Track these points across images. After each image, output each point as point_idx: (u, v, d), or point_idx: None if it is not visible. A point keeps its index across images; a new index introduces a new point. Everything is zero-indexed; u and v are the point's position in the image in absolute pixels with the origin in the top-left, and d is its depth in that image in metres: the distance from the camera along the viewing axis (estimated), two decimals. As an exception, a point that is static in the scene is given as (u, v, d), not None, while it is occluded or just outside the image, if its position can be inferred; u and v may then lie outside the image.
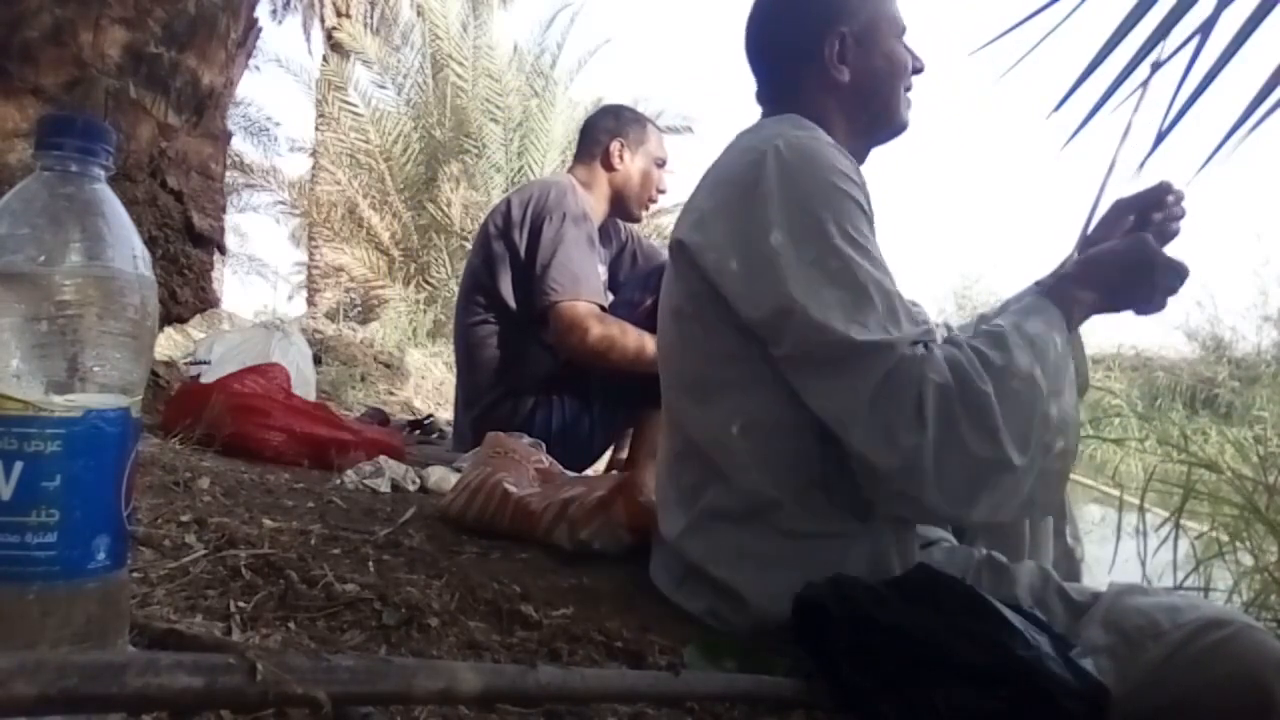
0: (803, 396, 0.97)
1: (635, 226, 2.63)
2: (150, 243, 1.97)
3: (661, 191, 2.49)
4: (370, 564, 1.06)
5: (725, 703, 0.76)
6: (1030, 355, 0.97)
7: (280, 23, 12.10)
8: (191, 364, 2.68)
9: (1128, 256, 1.08)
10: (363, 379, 4.77)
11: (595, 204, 2.37)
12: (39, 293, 0.52)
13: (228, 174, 2.80)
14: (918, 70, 1.21)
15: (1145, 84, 1.34)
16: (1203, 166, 1.38)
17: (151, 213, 2.06)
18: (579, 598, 1.05)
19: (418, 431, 3.02)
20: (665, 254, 2.62)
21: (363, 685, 0.54)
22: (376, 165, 9.60)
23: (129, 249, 0.56)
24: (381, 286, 9.05)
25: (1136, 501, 1.71)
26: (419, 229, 9.42)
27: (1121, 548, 1.74)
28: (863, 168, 1.10)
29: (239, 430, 1.82)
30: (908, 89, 1.20)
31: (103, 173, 0.57)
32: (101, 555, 0.55)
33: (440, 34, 9.46)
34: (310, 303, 10.07)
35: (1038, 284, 1.13)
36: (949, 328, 1.28)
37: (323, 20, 11.03)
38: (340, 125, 9.65)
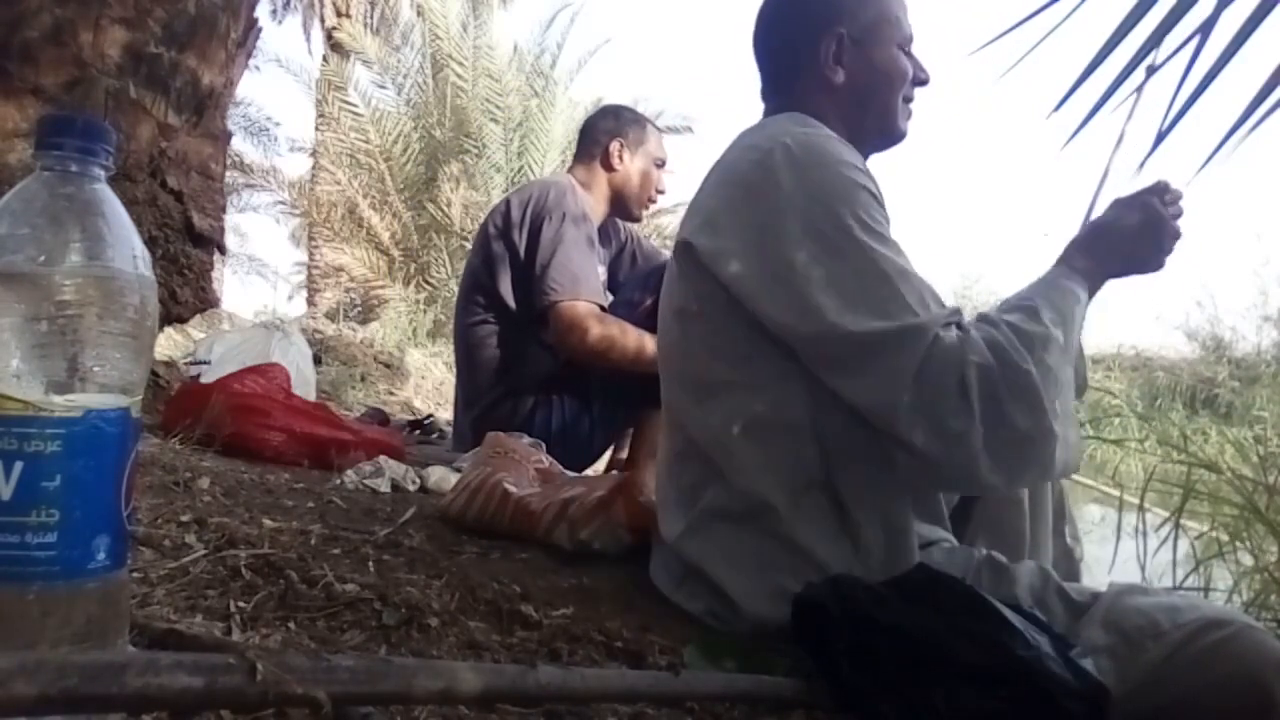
0: (842, 395, 0.97)
1: (635, 226, 2.63)
2: (150, 243, 1.97)
3: (661, 192, 2.49)
4: (370, 564, 1.06)
5: (725, 703, 0.76)
6: (1060, 326, 0.99)
7: (280, 23, 12.12)
8: (191, 364, 2.68)
9: (1135, 216, 1.10)
10: (363, 379, 4.77)
11: (595, 204, 2.37)
12: (39, 293, 0.52)
13: (228, 174, 2.80)
14: (921, 82, 1.20)
15: (1140, 89, 1.34)
16: (1203, 166, 1.39)
17: (151, 213, 2.06)
18: (579, 598, 1.05)
19: (418, 431, 3.02)
20: (665, 254, 2.63)
21: (363, 685, 0.54)
22: (376, 165, 9.60)
23: (129, 249, 0.56)
24: (381, 286, 9.05)
25: (1136, 501, 1.71)
26: (419, 229, 9.42)
27: (1121, 548, 1.74)
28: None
29: (239, 430, 1.82)
30: (908, 99, 1.19)
31: (103, 173, 0.57)
32: (101, 555, 0.55)
33: (440, 34, 9.46)
34: (310, 303, 10.08)
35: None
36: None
37: (323, 20, 11.03)
38: (340, 125, 9.65)
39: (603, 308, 2.19)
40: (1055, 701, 0.70)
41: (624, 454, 2.42)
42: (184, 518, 1.10)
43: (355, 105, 9.67)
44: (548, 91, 9.42)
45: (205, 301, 2.25)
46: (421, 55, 10.02)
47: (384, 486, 1.66)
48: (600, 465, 2.43)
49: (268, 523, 1.17)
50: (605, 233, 2.48)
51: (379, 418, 2.99)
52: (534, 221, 2.23)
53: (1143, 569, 1.62)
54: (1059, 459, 0.96)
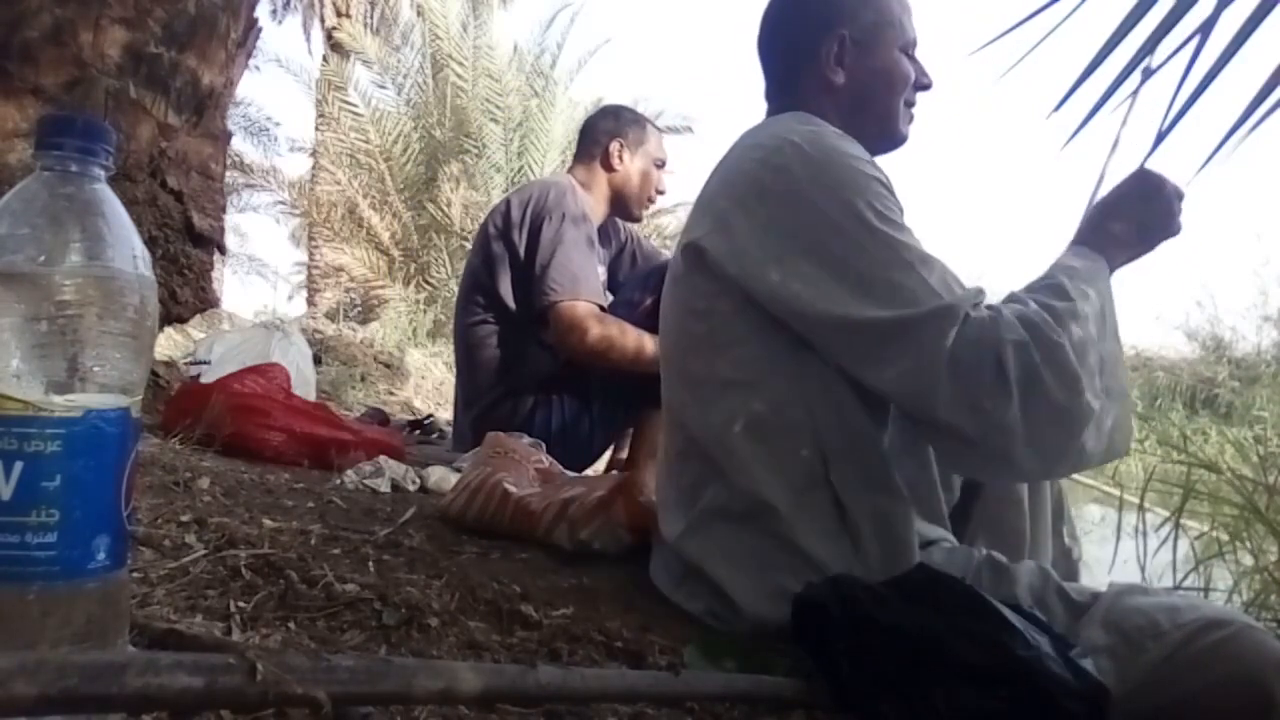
0: (874, 386, 0.97)
1: (635, 227, 2.63)
2: (150, 243, 1.97)
3: (661, 192, 2.49)
4: (370, 564, 1.06)
5: (725, 703, 0.76)
6: (1088, 298, 0.99)
7: (280, 23, 12.12)
8: (191, 364, 2.68)
9: (1136, 186, 1.10)
10: (363, 379, 4.77)
11: (595, 204, 2.37)
12: (39, 293, 0.52)
13: (228, 174, 2.80)
14: (923, 87, 1.20)
15: (1135, 94, 1.34)
16: (1203, 166, 1.38)
17: (151, 213, 2.06)
18: (579, 598, 1.05)
19: (418, 431, 3.02)
20: (665, 254, 2.63)
21: (363, 685, 0.54)
22: (376, 165, 9.60)
23: (129, 249, 0.56)
24: (381, 286, 9.05)
25: (1136, 501, 1.71)
26: (419, 229, 9.42)
27: (1121, 548, 1.74)
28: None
29: (239, 430, 1.82)
30: (910, 103, 1.20)
31: (103, 173, 0.57)
32: (101, 555, 0.55)
33: (440, 34, 9.46)
34: (310, 303, 10.08)
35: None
36: None
37: (323, 20, 11.03)
38: (340, 125, 9.65)
39: (602, 308, 2.19)
40: (1055, 701, 0.70)
41: (624, 454, 2.43)
42: (184, 518, 1.10)
43: (355, 105, 9.67)
44: (548, 91, 9.42)
45: (205, 301, 2.25)
46: (421, 55, 10.02)
47: (384, 486, 1.66)
48: (600, 465, 2.43)
49: (268, 523, 1.17)
50: (605, 233, 2.48)
51: (379, 418, 2.99)
52: (534, 222, 2.23)
53: (1143, 569, 1.62)
54: (1109, 439, 0.96)
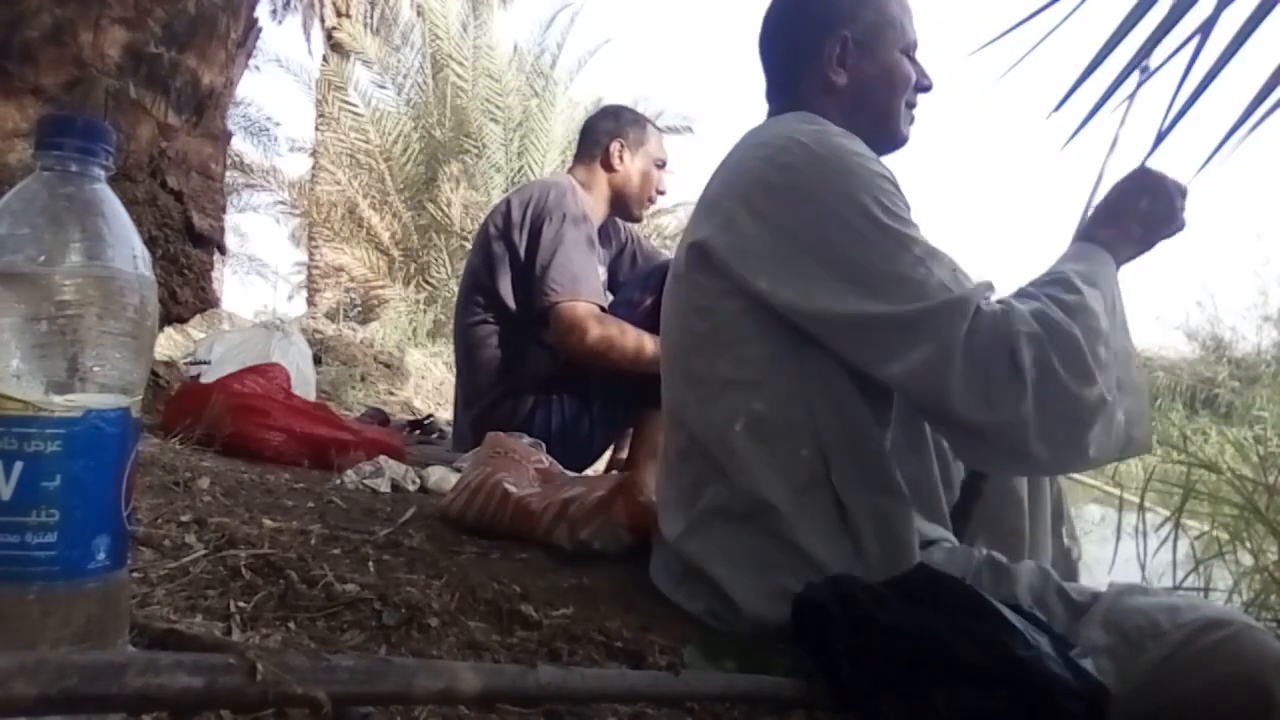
0: (887, 381, 0.97)
1: (635, 227, 2.63)
2: (150, 243, 1.97)
3: (661, 192, 2.50)
4: (370, 564, 1.06)
5: (725, 703, 0.76)
6: (1097, 292, 0.99)
7: (280, 23, 12.12)
8: (191, 364, 2.68)
9: (1138, 183, 1.11)
10: (363, 379, 4.77)
11: (595, 204, 2.37)
12: (39, 293, 0.52)
13: (228, 174, 2.80)
14: (924, 88, 1.21)
15: (1132, 96, 1.34)
16: (1203, 166, 1.38)
17: (151, 213, 2.06)
18: (579, 598, 1.05)
19: (418, 431, 3.02)
20: (665, 254, 2.63)
21: (363, 685, 0.54)
22: (376, 165, 9.60)
23: (129, 249, 0.56)
24: (381, 286, 9.05)
25: (1136, 501, 1.71)
26: (419, 229, 9.42)
27: (1121, 548, 1.74)
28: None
29: (239, 430, 1.82)
30: (910, 105, 1.20)
31: (103, 173, 0.57)
32: (101, 555, 0.55)
33: (440, 34, 9.46)
34: (310, 303, 10.07)
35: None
36: None
37: (323, 20, 11.03)
38: (340, 125, 9.65)
39: (603, 308, 2.19)
40: (1055, 701, 0.70)
41: (624, 454, 2.43)
42: (184, 518, 1.10)
43: (355, 105, 9.67)
44: (548, 91, 9.42)
45: (205, 301, 2.25)
46: (421, 55, 10.02)
47: (384, 486, 1.66)
48: (600, 465, 2.43)
49: (268, 523, 1.17)
50: (605, 233, 2.48)
51: (379, 418, 2.99)
52: (534, 222, 2.23)
53: (1143, 569, 1.62)
54: (1126, 434, 0.96)
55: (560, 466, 1.67)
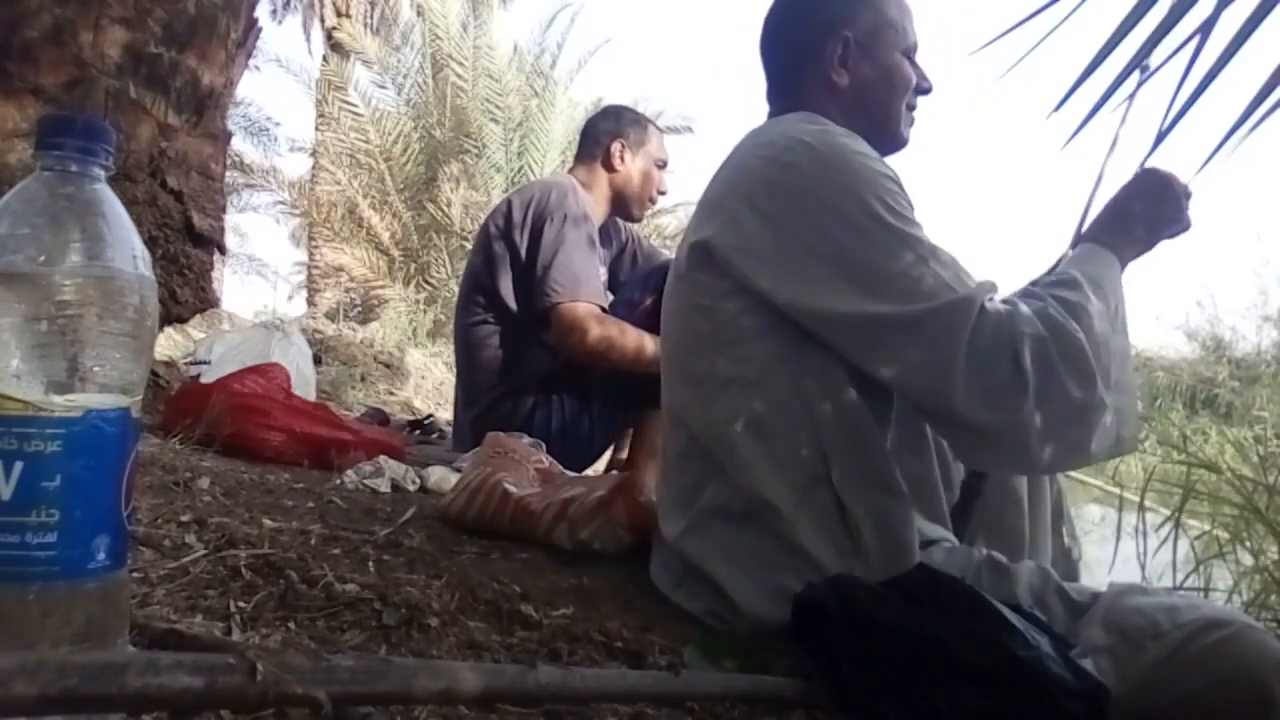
0: (889, 380, 0.97)
1: (635, 227, 2.63)
2: (150, 243, 1.97)
3: (662, 192, 2.50)
4: (370, 564, 1.06)
5: (725, 703, 0.76)
6: (1101, 294, 1.00)
7: (280, 23, 12.12)
8: (191, 364, 2.68)
9: (1145, 185, 1.12)
10: (363, 379, 4.77)
11: (596, 205, 2.37)
12: (39, 293, 0.52)
13: (228, 174, 2.80)
14: (924, 91, 1.21)
15: (1132, 96, 1.34)
16: (1203, 166, 1.38)
17: (151, 213, 2.06)
18: (579, 598, 1.05)
19: (418, 431, 3.02)
20: (665, 254, 2.63)
21: (363, 685, 0.54)
22: (376, 165, 9.60)
23: (129, 249, 0.56)
24: (381, 286, 9.05)
25: (1136, 501, 1.71)
26: (419, 229, 9.42)
27: (1121, 548, 1.74)
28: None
29: (239, 430, 1.82)
30: (911, 107, 1.20)
31: (103, 173, 0.57)
32: (101, 555, 0.55)
33: (440, 34, 9.46)
34: (310, 303, 10.07)
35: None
36: None
37: (323, 20, 11.03)
38: (340, 125, 9.65)
39: (603, 308, 2.19)
40: (1055, 701, 0.70)
41: (624, 454, 2.43)
42: (184, 518, 1.10)
43: (355, 105, 9.67)
44: (548, 91, 9.42)
45: (205, 301, 2.25)
46: (421, 55, 10.02)
47: (384, 486, 1.66)
48: (600, 465, 2.43)
49: (268, 523, 1.17)
50: (606, 233, 2.48)
51: (379, 418, 2.99)
52: (535, 222, 2.23)
53: (1143, 569, 1.62)
54: (1116, 433, 0.97)
55: (560, 466, 1.67)
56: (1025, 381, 0.91)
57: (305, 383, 2.68)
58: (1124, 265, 1.09)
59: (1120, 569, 1.68)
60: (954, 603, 0.79)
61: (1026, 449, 0.93)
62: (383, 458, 1.76)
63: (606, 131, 2.41)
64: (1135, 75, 1.40)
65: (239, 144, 10.24)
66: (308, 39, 12.09)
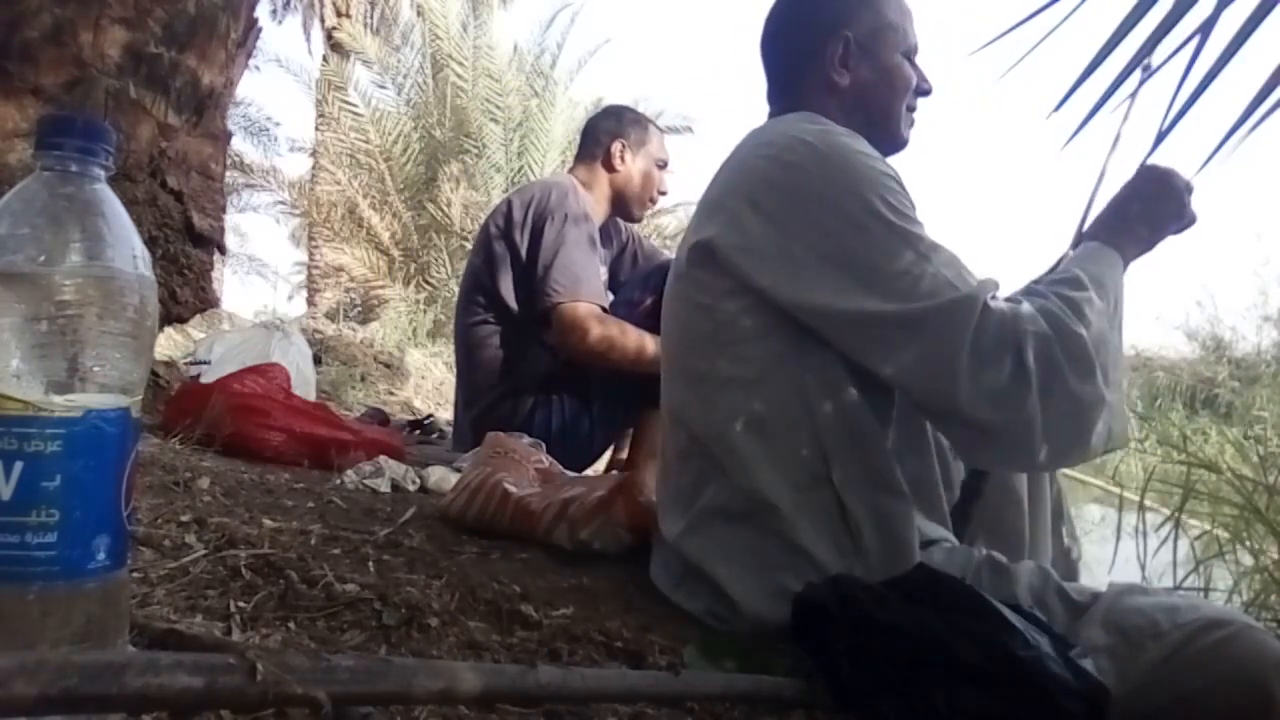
0: (892, 379, 0.97)
1: (635, 227, 2.63)
2: (150, 243, 1.97)
3: (663, 193, 2.49)
4: (370, 564, 1.06)
5: (725, 703, 0.76)
6: (1103, 292, 1.01)
7: (280, 23, 12.13)
8: (191, 364, 2.68)
9: (1145, 182, 1.13)
10: (363, 379, 4.77)
11: (596, 204, 2.37)
12: (39, 293, 0.52)
13: (228, 174, 2.80)
14: (923, 93, 1.21)
15: (1134, 95, 1.34)
16: (1203, 166, 1.38)
17: (151, 213, 2.06)
18: (579, 598, 1.05)
19: (418, 431, 3.02)
20: (666, 254, 2.63)
21: (363, 685, 0.54)
22: (376, 165, 9.60)
23: (129, 249, 0.56)
24: (381, 286, 9.05)
25: (1136, 501, 1.71)
26: (419, 229, 9.42)
27: (1121, 548, 1.74)
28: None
29: (239, 430, 1.82)
30: (911, 109, 1.21)
31: (103, 173, 0.57)
32: (101, 555, 0.55)
33: (440, 34, 9.45)
34: (310, 303, 10.07)
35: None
36: None
37: (323, 20, 11.03)
38: (340, 125, 9.65)
39: (604, 308, 2.19)
40: (1055, 701, 0.70)
41: (624, 454, 2.43)
42: (184, 518, 1.10)
43: (355, 105, 9.67)
44: (548, 91, 9.42)
45: (205, 301, 2.25)
46: (421, 55, 10.02)
47: (384, 486, 1.66)
48: (600, 465, 2.43)
49: (268, 523, 1.17)
50: (606, 233, 2.48)
51: (379, 418, 2.99)
52: (536, 222, 2.23)
53: (1143, 569, 1.62)
54: (1108, 429, 0.97)
55: (560, 466, 1.67)
56: (1029, 379, 0.92)
57: (305, 383, 2.68)
58: (1126, 263, 1.09)
59: (1120, 569, 1.68)
60: (954, 603, 0.79)
61: (1030, 446, 0.93)
62: (383, 458, 1.76)
63: (607, 131, 2.41)
64: (1135, 75, 1.39)
65: (239, 144, 10.25)
66: (308, 39, 12.11)
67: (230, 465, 1.66)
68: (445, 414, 3.80)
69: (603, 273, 2.36)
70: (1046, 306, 0.96)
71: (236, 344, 2.77)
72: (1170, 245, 1.15)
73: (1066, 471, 1.88)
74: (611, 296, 2.35)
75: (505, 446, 1.58)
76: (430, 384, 5.47)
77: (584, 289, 2.16)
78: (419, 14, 9.98)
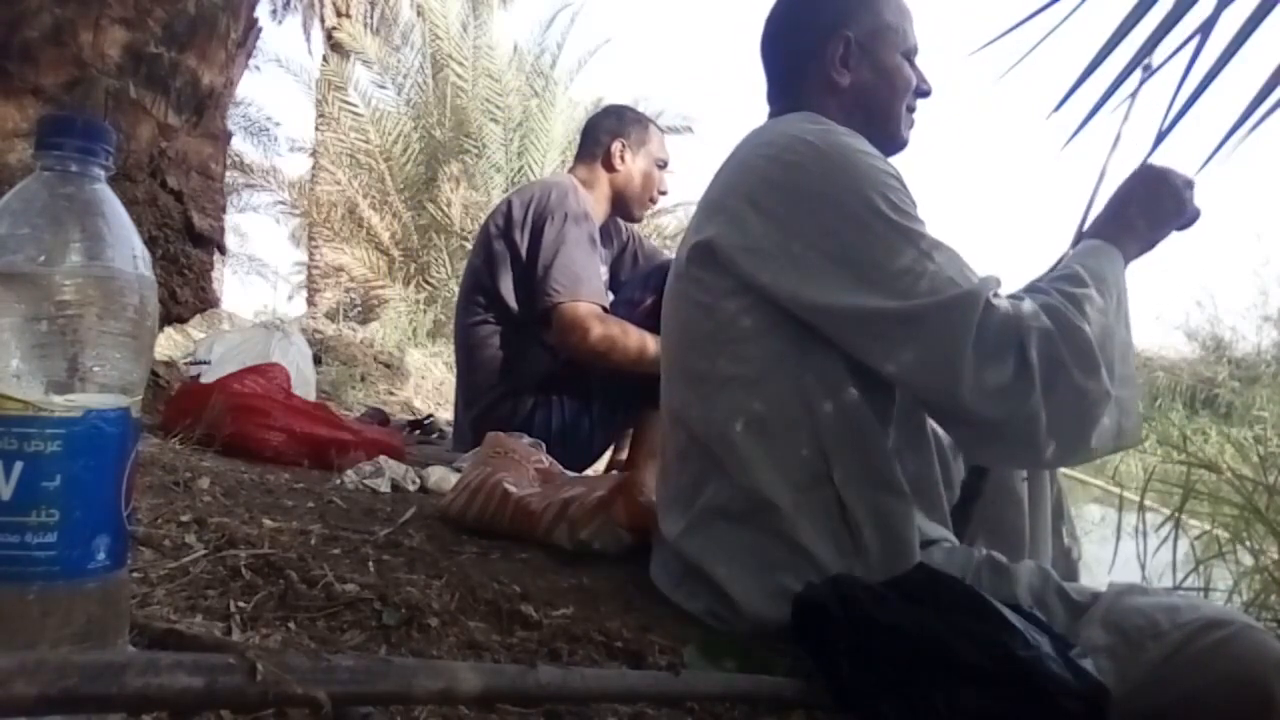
0: (895, 376, 0.97)
1: (636, 226, 2.63)
2: (150, 243, 1.97)
3: (663, 192, 2.49)
4: (370, 564, 1.06)
5: (725, 703, 0.76)
6: (1105, 288, 1.01)
7: (280, 23, 12.13)
8: (191, 364, 2.68)
9: (1143, 181, 1.13)
10: (363, 379, 4.77)
11: (596, 204, 2.37)
12: (39, 293, 0.52)
13: (228, 174, 2.80)
14: (923, 93, 1.21)
15: (1134, 95, 1.34)
16: (1203, 166, 1.38)
17: (151, 213, 2.06)
18: (579, 598, 1.05)
19: (418, 431, 3.02)
20: (666, 254, 2.63)
21: (363, 685, 0.54)
22: (376, 165, 9.60)
23: (129, 249, 0.56)
24: (381, 286, 9.05)
25: (1136, 501, 1.71)
26: (419, 229, 9.42)
27: (1121, 548, 1.74)
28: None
29: (239, 430, 1.82)
30: (911, 109, 1.21)
31: (103, 173, 0.57)
32: (101, 555, 0.55)
33: (440, 34, 9.45)
34: (310, 303, 10.07)
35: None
36: None
37: (323, 20, 11.03)
38: (340, 125, 9.65)
39: (604, 308, 2.19)
40: (1055, 701, 0.70)
41: (624, 454, 2.43)
42: (184, 518, 1.10)
43: (355, 105, 9.67)
44: (548, 91, 9.41)
45: (205, 301, 2.25)
46: (421, 55, 10.02)
47: (384, 486, 1.66)
48: (600, 465, 2.43)
49: (268, 523, 1.17)
50: (607, 232, 2.48)
51: (379, 418, 2.99)
52: (536, 222, 2.23)
53: (1143, 569, 1.62)
54: (1118, 426, 0.97)
55: (560, 466, 1.67)
56: (1031, 375, 0.92)
57: (305, 383, 2.68)
58: (1127, 260, 1.09)
59: (1120, 569, 1.68)
60: (954, 603, 0.79)
61: (1033, 442, 0.94)
62: (383, 458, 1.76)
63: (607, 131, 2.41)
64: (1136, 75, 1.39)
65: (239, 144, 10.25)
66: (308, 39, 12.10)
67: (230, 465, 1.66)
68: (445, 414, 3.80)
69: (603, 272, 2.36)
70: (1049, 302, 0.96)
71: (236, 344, 2.77)
72: (1170, 245, 1.15)
73: (1066, 471, 1.89)
74: (612, 296, 2.35)
75: (505, 446, 1.58)
76: (430, 384, 5.46)
77: (584, 289, 2.16)
78: (419, 14, 9.98)
